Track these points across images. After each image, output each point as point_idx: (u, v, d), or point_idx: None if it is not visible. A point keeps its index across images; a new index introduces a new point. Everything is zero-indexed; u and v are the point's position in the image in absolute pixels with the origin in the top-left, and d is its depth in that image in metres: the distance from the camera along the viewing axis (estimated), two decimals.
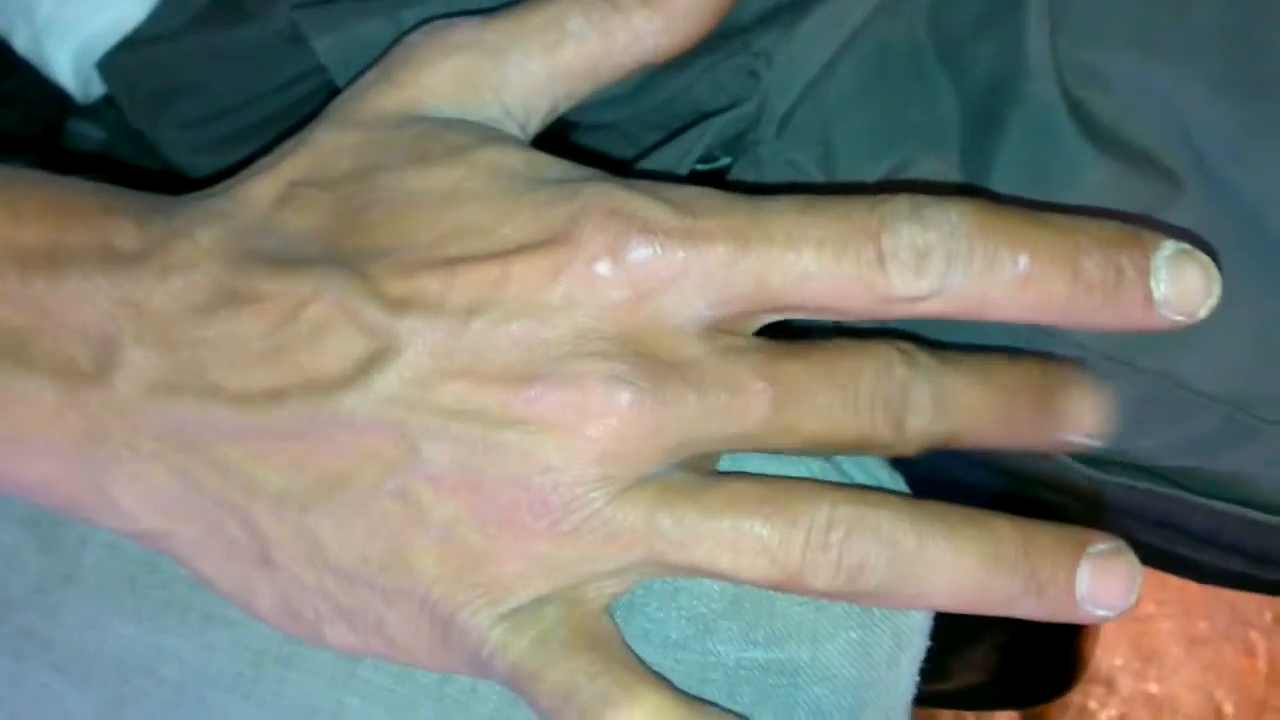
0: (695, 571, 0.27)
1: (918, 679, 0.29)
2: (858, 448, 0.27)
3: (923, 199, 0.26)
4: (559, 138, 0.35)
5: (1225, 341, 0.33)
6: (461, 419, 0.26)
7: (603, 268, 0.26)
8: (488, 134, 0.29)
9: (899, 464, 0.32)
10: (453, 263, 0.26)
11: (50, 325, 0.27)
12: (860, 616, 0.28)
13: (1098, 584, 0.27)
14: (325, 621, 0.28)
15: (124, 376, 0.27)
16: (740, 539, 0.26)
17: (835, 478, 0.30)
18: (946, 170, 0.34)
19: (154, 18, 0.37)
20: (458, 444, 0.26)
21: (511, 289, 0.26)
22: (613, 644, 0.27)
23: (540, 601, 0.27)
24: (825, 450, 0.27)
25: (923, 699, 0.31)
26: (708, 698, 0.28)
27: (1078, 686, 0.67)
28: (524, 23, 0.30)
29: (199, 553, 0.28)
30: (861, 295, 0.26)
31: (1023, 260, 0.26)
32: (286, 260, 0.27)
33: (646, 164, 0.35)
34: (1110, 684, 0.90)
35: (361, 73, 0.31)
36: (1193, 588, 0.90)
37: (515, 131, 0.30)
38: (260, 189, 0.29)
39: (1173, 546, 0.38)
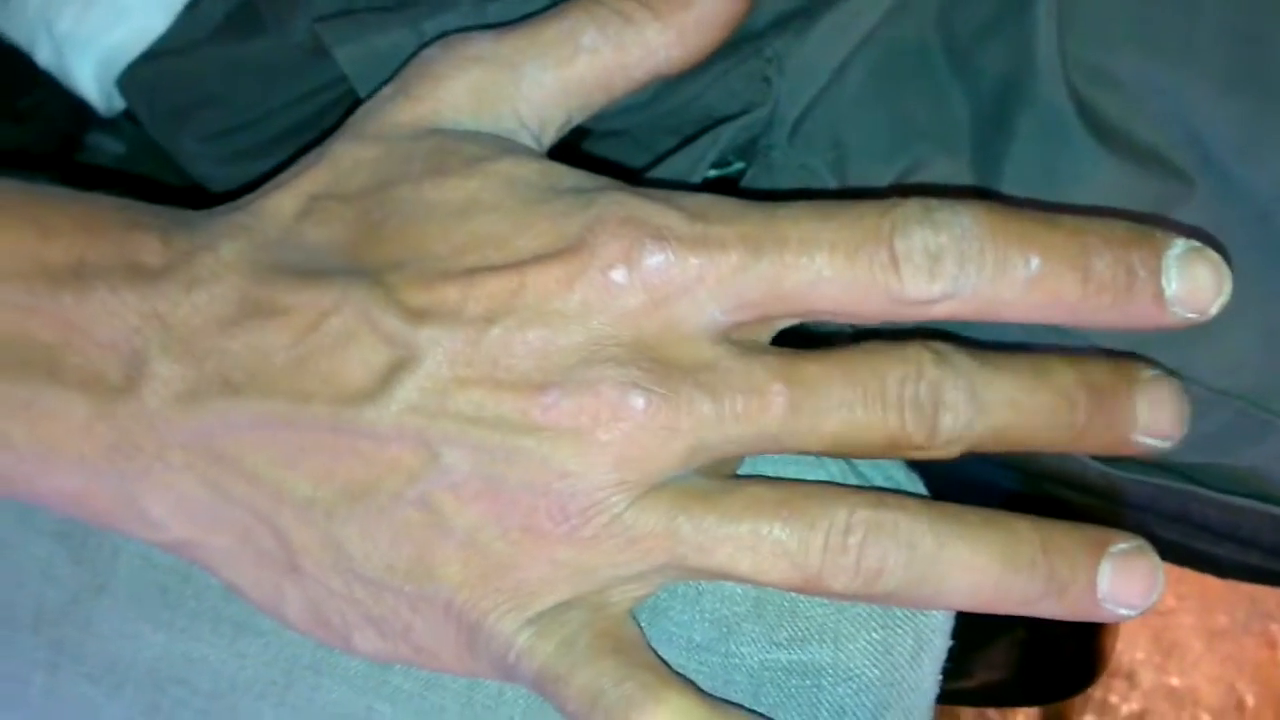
0: (716, 575, 0.27)
1: (939, 677, 0.30)
2: (890, 449, 0.27)
3: (934, 202, 0.26)
4: (571, 145, 0.36)
5: (1236, 337, 0.33)
6: (480, 426, 0.26)
7: (618, 275, 0.26)
8: (504, 146, 0.29)
9: (917, 466, 0.32)
10: (471, 273, 0.27)
11: (79, 340, 0.28)
12: (882, 617, 0.29)
13: (1119, 583, 0.27)
14: (354, 628, 0.28)
15: (152, 389, 0.27)
16: (760, 542, 0.26)
17: (853, 480, 0.30)
18: (958, 172, 0.34)
19: (173, 31, 0.37)
20: (477, 451, 0.26)
21: (528, 297, 0.26)
22: (637, 647, 0.27)
23: (564, 606, 0.27)
24: (855, 452, 0.27)
25: (944, 697, 0.31)
26: (731, 700, 0.28)
27: (1098, 680, 0.67)
28: (538, 36, 0.30)
29: (229, 561, 0.28)
30: (875, 298, 0.26)
31: (1034, 261, 0.26)
32: (308, 272, 0.28)
33: (660, 171, 0.36)
34: (1131, 678, 0.90)
35: (383, 84, 0.31)
36: (1212, 581, 0.90)
37: (530, 143, 0.30)
38: (281, 202, 0.29)
39: (1191, 541, 0.38)
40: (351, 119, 0.31)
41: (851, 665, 0.29)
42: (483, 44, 0.30)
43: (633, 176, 0.34)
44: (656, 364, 0.26)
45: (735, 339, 0.27)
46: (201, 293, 0.28)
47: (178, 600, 0.31)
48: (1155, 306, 0.26)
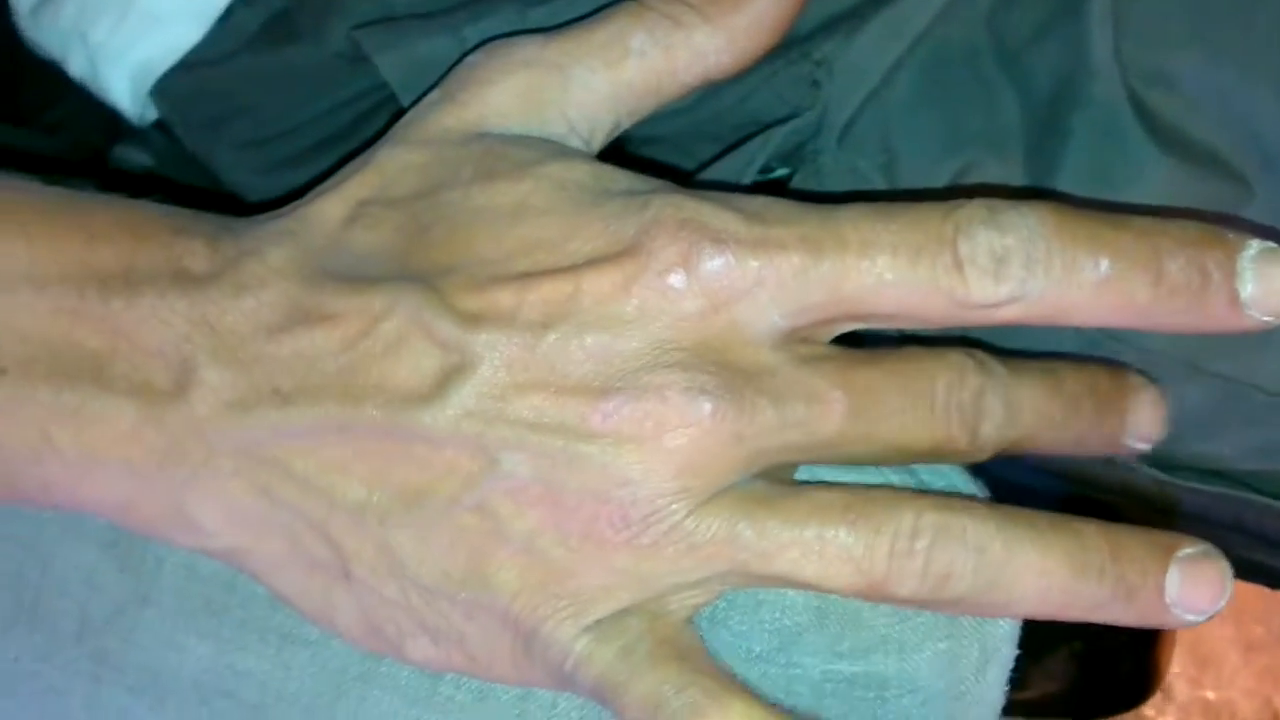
0: (779, 581, 0.27)
1: (1006, 688, 0.29)
2: (933, 455, 0.27)
3: (999, 203, 0.26)
4: (620, 150, 0.35)
5: None
6: (540, 432, 0.26)
7: (676, 279, 0.26)
8: (553, 149, 0.29)
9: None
10: (525, 277, 0.26)
11: (127, 346, 0.27)
12: (947, 626, 0.28)
13: (1188, 588, 0.26)
14: (407, 636, 0.28)
15: (201, 396, 0.27)
16: (825, 548, 0.26)
17: (913, 486, 0.30)
18: (1010, 174, 0.34)
19: (208, 40, 0.37)
20: (537, 457, 0.26)
21: (584, 302, 0.26)
22: (698, 654, 0.27)
23: (623, 613, 0.27)
24: (901, 458, 0.27)
25: (1003, 708, 0.30)
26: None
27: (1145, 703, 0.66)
28: (587, 40, 0.30)
29: (279, 569, 0.28)
30: (939, 302, 0.26)
31: (1104, 263, 0.26)
32: (357, 278, 0.27)
33: (707, 175, 0.35)
34: (1167, 690, 0.90)
35: (426, 91, 0.31)
36: (1249, 593, 0.89)
37: (580, 147, 0.30)
38: (328, 208, 0.29)
39: (1247, 552, 0.38)
40: (397, 125, 0.31)
41: (917, 676, 0.28)
42: (530, 48, 0.30)
43: (683, 179, 0.34)
44: (721, 369, 0.26)
45: (795, 343, 0.27)
46: (249, 299, 0.27)
47: (223, 610, 0.31)
48: (1230, 309, 0.26)
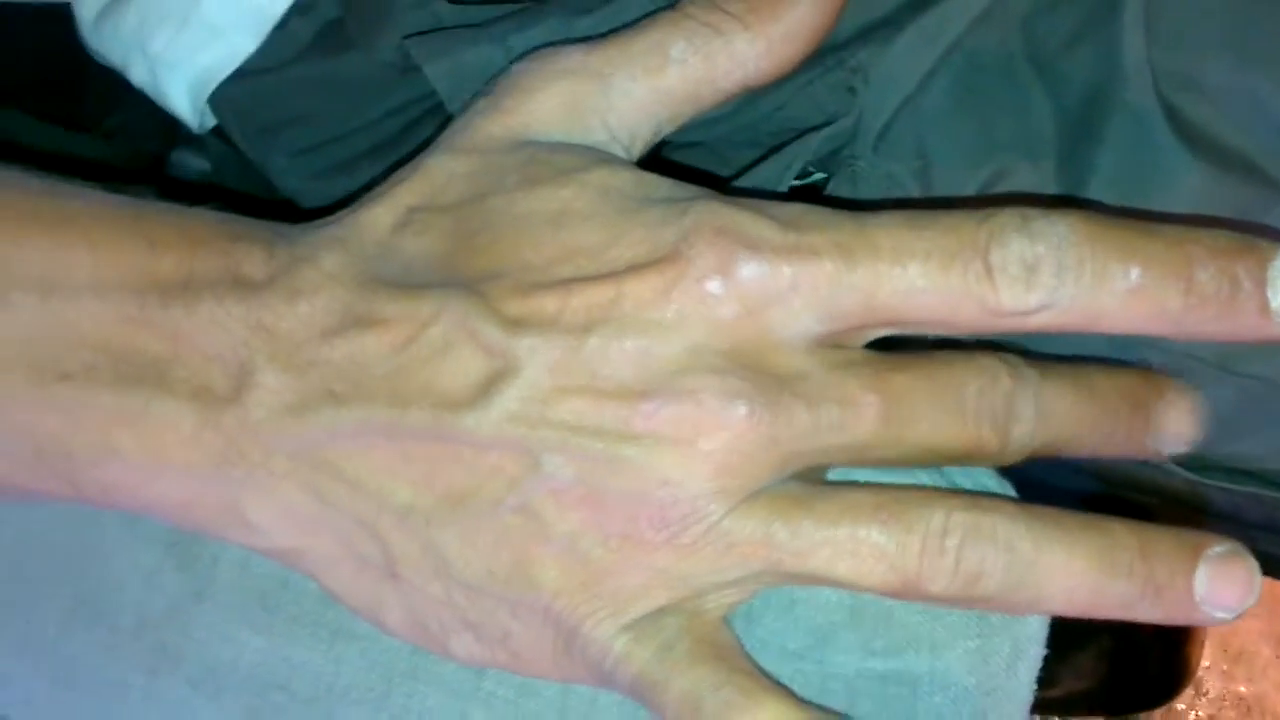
0: (813, 580, 0.27)
1: (1035, 685, 0.30)
2: (965, 458, 0.28)
3: (1030, 211, 0.26)
4: (659, 156, 0.36)
5: None
6: (582, 434, 0.27)
7: (713, 285, 0.27)
8: (596, 156, 0.29)
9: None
10: (567, 283, 0.27)
11: (187, 351, 0.28)
12: (978, 624, 0.29)
13: (1217, 586, 0.27)
14: (451, 633, 0.28)
15: (257, 399, 0.28)
16: (858, 546, 0.26)
17: (943, 486, 0.30)
18: (1042, 180, 0.34)
19: (264, 50, 0.38)
20: (579, 459, 0.27)
21: (625, 307, 0.27)
22: (734, 653, 0.27)
23: (661, 612, 0.27)
24: (933, 460, 0.28)
25: (1032, 706, 0.31)
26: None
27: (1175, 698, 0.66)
28: (628, 48, 0.30)
29: (330, 568, 0.29)
30: (970, 309, 0.26)
31: (1134, 272, 0.26)
32: (407, 283, 0.28)
33: (745, 181, 0.36)
34: (1198, 685, 0.89)
35: (473, 99, 0.31)
36: None
37: (621, 154, 0.31)
38: (378, 215, 0.29)
39: (1276, 550, 0.38)
40: (444, 133, 0.31)
41: (948, 673, 0.29)
42: (572, 57, 0.30)
43: (721, 185, 0.35)
44: (755, 373, 0.27)
45: (828, 348, 0.28)
46: (304, 304, 0.28)
47: (276, 605, 0.32)
48: (1261, 318, 0.26)
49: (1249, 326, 0.26)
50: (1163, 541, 0.27)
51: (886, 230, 0.27)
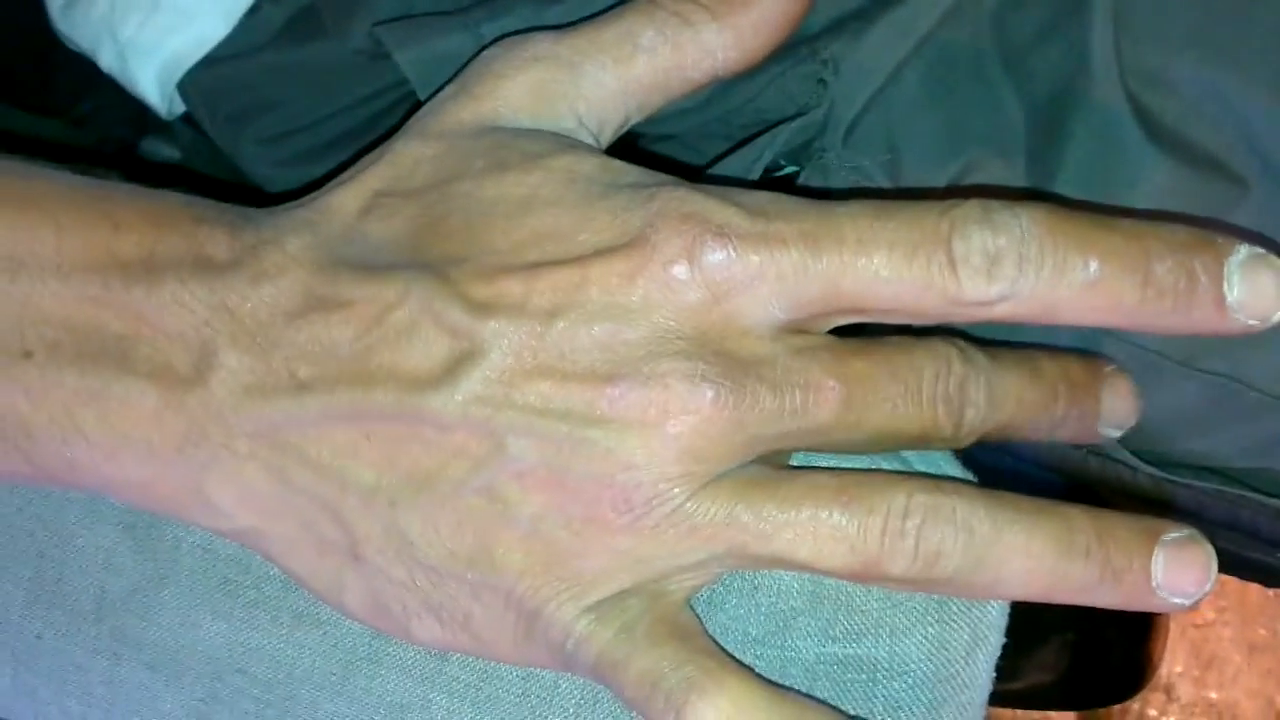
0: (776, 562, 0.27)
1: (994, 674, 0.30)
2: (921, 441, 0.28)
3: (993, 203, 0.27)
4: (630, 145, 0.36)
5: None
6: (547, 417, 0.27)
7: (679, 270, 0.27)
8: (563, 142, 0.30)
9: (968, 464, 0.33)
10: (533, 267, 0.27)
11: (149, 331, 0.28)
12: (938, 611, 0.29)
13: (1173, 571, 0.27)
14: (413, 616, 0.28)
15: (220, 380, 0.28)
16: (819, 528, 0.27)
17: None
18: (1011, 175, 0.34)
19: (234, 36, 0.38)
20: (543, 441, 0.27)
21: (591, 291, 0.27)
22: (695, 634, 0.27)
23: (623, 594, 0.27)
24: (891, 444, 0.28)
25: (992, 698, 0.31)
26: None
27: (1137, 694, 0.66)
28: (598, 37, 0.30)
29: (291, 550, 0.29)
30: (932, 299, 0.27)
31: (1093, 264, 0.26)
32: (372, 266, 0.28)
33: (714, 171, 0.36)
34: (1170, 691, 0.90)
35: (443, 85, 0.31)
36: (1252, 593, 0.89)
37: (590, 142, 0.31)
38: (345, 199, 0.29)
39: (1242, 550, 0.38)
40: (413, 118, 0.31)
41: (907, 660, 0.29)
42: (542, 44, 0.31)
43: (692, 175, 0.35)
44: (721, 358, 0.27)
45: (792, 334, 0.28)
46: (268, 286, 0.28)
47: (238, 590, 0.31)
48: (1216, 312, 0.26)
49: (1206, 320, 0.26)
50: (1120, 526, 0.27)
51: (852, 220, 0.27)
